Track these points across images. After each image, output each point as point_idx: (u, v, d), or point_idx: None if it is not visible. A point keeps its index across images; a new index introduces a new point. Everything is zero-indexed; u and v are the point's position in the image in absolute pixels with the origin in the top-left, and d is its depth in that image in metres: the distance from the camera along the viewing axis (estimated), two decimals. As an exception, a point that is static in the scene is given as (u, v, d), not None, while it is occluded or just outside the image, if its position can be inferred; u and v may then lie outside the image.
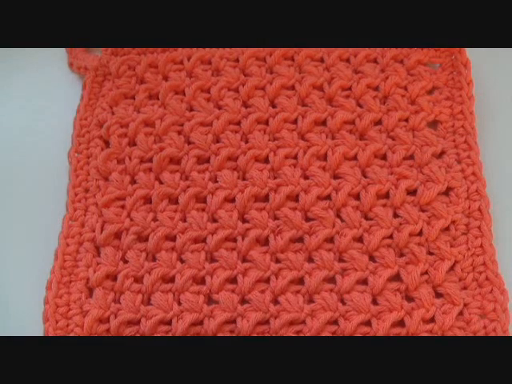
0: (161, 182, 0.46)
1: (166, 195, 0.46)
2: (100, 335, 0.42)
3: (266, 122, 0.48)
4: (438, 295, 0.43)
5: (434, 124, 0.48)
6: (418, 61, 0.49)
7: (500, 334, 0.41)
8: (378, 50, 0.49)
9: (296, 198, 0.45)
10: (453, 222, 0.44)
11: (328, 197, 0.45)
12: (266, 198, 0.45)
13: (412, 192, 0.45)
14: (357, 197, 0.45)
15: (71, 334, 0.42)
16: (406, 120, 0.47)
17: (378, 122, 0.48)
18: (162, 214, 0.45)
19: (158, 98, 0.49)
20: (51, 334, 0.42)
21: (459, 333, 0.42)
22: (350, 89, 0.48)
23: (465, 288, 0.43)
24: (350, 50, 0.50)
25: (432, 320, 0.42)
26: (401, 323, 0.42)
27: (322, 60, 0.50)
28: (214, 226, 0.44)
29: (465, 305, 0.42)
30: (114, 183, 0.46)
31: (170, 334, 0.42)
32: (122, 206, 0.46)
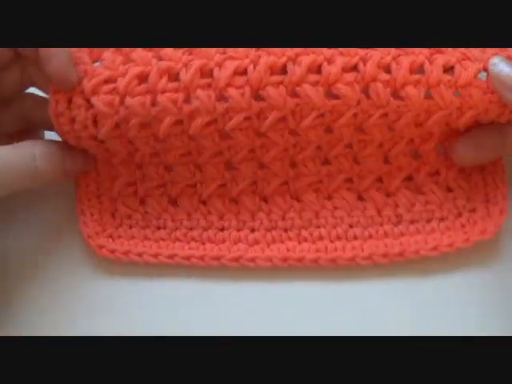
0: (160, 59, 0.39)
1: (166, 70, 0.38)
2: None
3: None
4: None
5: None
6: None
7: None
8: None
9: (318, 70, 0.39)
10: (485, 109, 0.39)
11: (355, 68, 0.39)
12: (283, 71, 0.39)
13: (447, 71, 0.40)
14: (387, 69, 0.39)
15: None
16: None
17: None
18: (163, 95, 0.38)
19: None
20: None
21: (462, 182, 0.42)
22: None
23: None
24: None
25: (437, 173, 0.42)
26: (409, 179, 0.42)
27: None
28: (224, 105, 0.38)
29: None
30: (103, 62, 0.39)
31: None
32: (113, 89, 0.38)
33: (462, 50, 0.40)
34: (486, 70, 0.39)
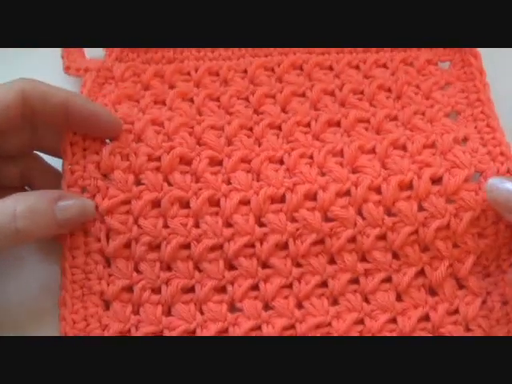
0: (169, 184, 0.43)
1: (177, 199, 0.43)
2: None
3: (279, 128, 0.46)
4: (460, 285, 0.42)
5: (452, 117, 0.46)
6: (428, 61, 0.48)
7: None
8: (387, 55, 0.48)
9: (314, 197, 0.43)
10: (483, 211, 0.42)
11: (347, 193, 0.43)
12: (282, 199, 0.43)
13: (437, 181, 0.43)
14: (378, 190, 0.43)
15: None
16: (423, 114, 0.46)
17: (394, 119, 0.46)
18: (174, 220, 0.42)
19: (164, 104, 0.46)
20: None
21: (483, 322, 0.41)
22: (361, 93, 0.47)
23: (488, 275, 0.42)
24: (359, 56, 0.48)
25: (456, 311, 0.42)
26: (426, 318, 0.42)
27: (331, 68, 0.48)
28: (230, 231, 0.42)
29: (487, 293, 0.42)
30: (116, 184, 0.42)
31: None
32: (127, 211, 0.42)
33: (450, 157, 0.42)
34: (479, 172, 0.42)
